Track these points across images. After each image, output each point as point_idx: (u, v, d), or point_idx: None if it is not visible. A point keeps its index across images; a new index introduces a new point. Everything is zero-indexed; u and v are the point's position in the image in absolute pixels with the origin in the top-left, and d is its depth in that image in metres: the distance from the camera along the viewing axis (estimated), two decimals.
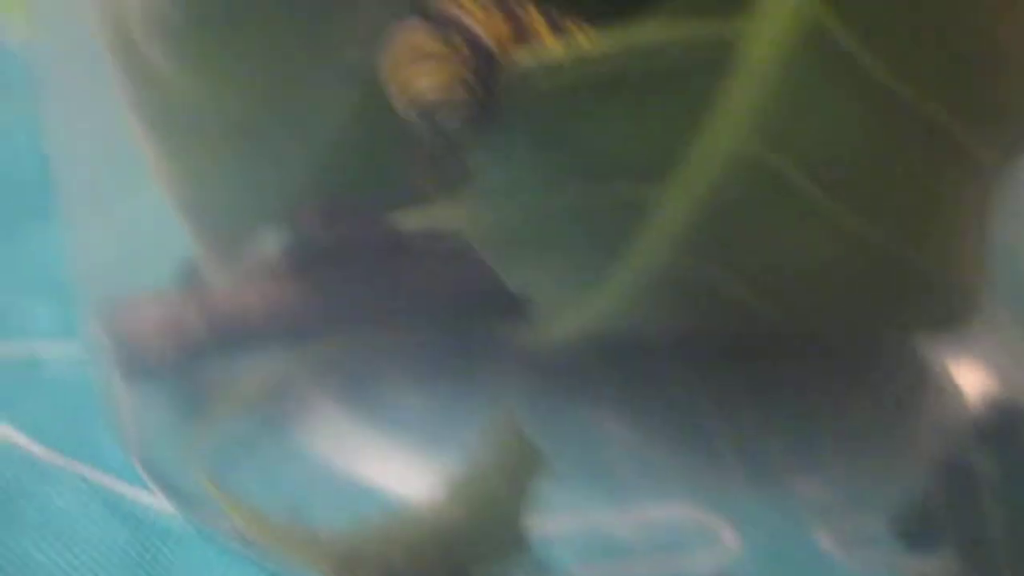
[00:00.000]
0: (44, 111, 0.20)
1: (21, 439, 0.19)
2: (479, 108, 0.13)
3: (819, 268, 0.16)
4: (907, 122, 0.14)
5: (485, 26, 0.13)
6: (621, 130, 0.14)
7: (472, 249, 0.16)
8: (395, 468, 0.17)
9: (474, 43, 0.13)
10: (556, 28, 0.13)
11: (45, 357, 0.20)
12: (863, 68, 0.14)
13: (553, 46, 0.13)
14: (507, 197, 0.14)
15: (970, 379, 0.19)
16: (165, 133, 0.17)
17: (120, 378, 0.18)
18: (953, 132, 0.15)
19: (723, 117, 0.14)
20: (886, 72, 0.14)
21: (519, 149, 0.14)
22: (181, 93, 0.15)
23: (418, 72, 0.12)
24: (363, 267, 0.18)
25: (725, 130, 0.14)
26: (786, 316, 0.17)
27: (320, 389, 0.18)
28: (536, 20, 0.13)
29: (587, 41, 0.13)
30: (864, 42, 0.13)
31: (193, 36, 0.14)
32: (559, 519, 0.17)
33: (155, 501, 0.18)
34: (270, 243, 0.19)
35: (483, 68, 0.13)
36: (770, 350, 0.18)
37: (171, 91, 0.16)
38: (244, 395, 0.18)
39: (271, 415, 0.18)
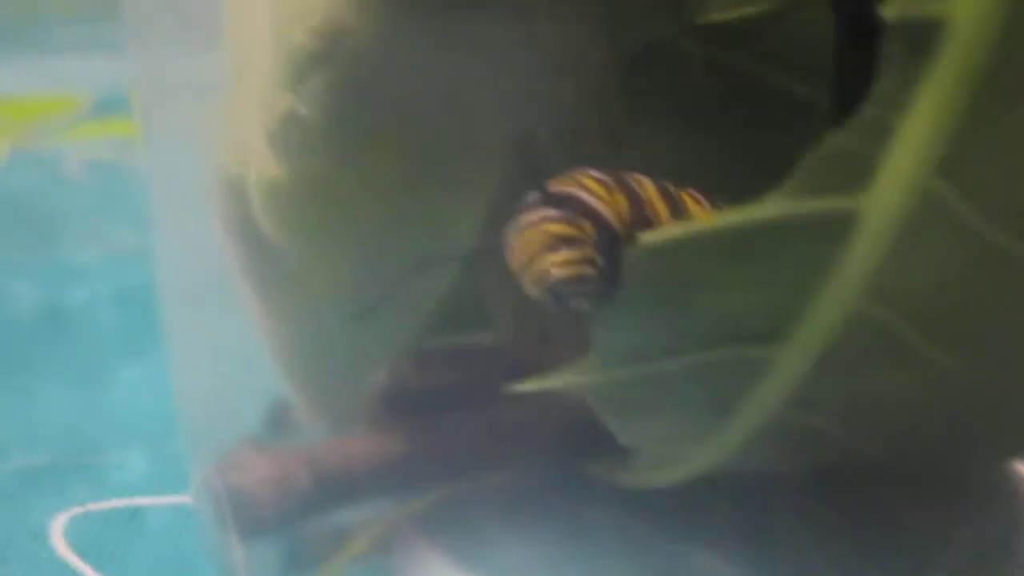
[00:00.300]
0: (155, 240, 0.20)
1: None
2: (604, 285, 0.13)
3: (921, 406, 0.16)
4: (1002, 264, 0.15)
5: (610, 207, 0.13)
6: (740, 296, 0.14)
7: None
8: None
9: (601, 224, 0.13)
10: (674, 207, 0.14)
11: (145, 509, 0.21)
12: (970, 227, 0.14)
13: (672, 224, 0.14)
14: (626, 363, 0.14)
15: None
16: (271, 294, 0.17)
17: (228, 533, 0.18)
18: None
19: (840, 280, 0.14)
20: (988, 226, 0.14)
21: (639, 318, 0.14)
22: (291, 259, 0.16)
23: (551, 257, 0.13)
24: (461, 412, 0.19)
25: (841, 292, 0.14)
26: (886, 451, 0.17)
27: (426, 538, 0.18)
28: (655, 198, 0.14)
29: (706, 218, 0.13)
30: (973, 206, 0.14)
31: (310, 210, 0.15)
32: None
33: None
34: (368, 391, 0.19)
35: (609, 247, 0.13)
36: (870, 484, 0.18)
37: (281, 257, 0.16)
38: (352, 548, 0.18)
39: (380, 567, 0.18)
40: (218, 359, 0.20)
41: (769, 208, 0.13)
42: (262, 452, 0.18)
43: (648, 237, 0.13)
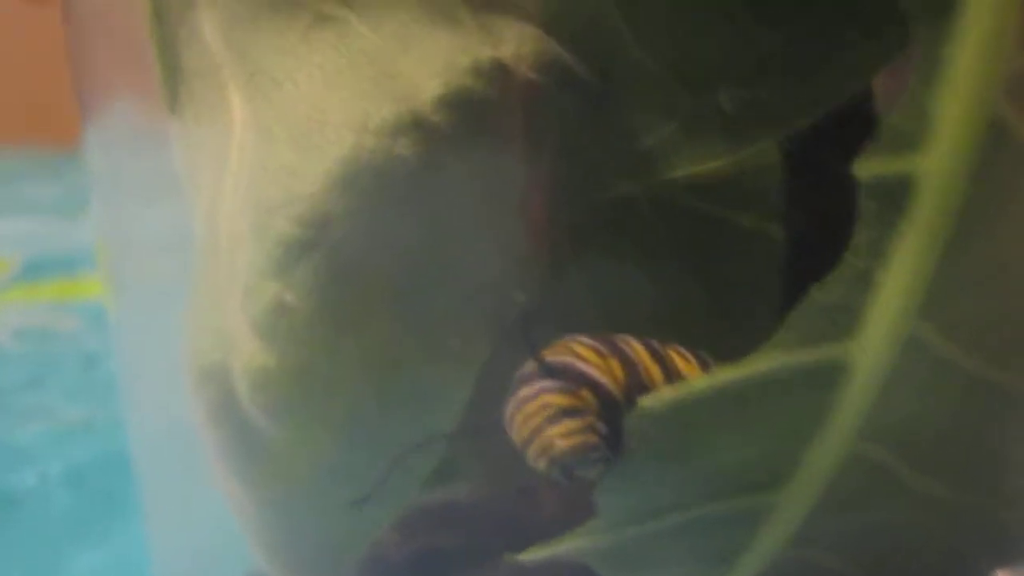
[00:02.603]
0: (126, 408, 0.20)
1: None
2: (608, 451, 0.13)
3: (905, 529, 0.17)
4: (984, 394, 0.15)
5: (606, 373, 0.13)
6: (740, 448, 0.14)
7: None
8: None
9: (600, 392, 0.13)
10: (665, 366, 0.14)
11: None
12: (952, 361, 0.14)
13: (666, 385, 0.14)
14: (628, 523, 0.14)
15: None
16: (254, 476, 0.17)
17: None
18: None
19: (834, 425, 0.14)
20: (969, 360, 0.15)
21: (641, 478, 0.14)
22: (277, 443, 0.16)
23: (554, 429, 0.13)
24: None
25: (836, 436, 0.14)
26: (875, 574, 0.17)
27: None
28: (646, 360, 0.14)
29: (699, 377, 0.14)
30: (954, 341, 0.14)
31: (300, 396, 0.14)
32: None
33: None
34: (351, 565, 0.19)
35: (609, 414, 0.13)
36: None
37: (264, 439, 0.16)
38: None
39: None
40: (195, 534, 0.20)
41: (762, 362, 0.14)
42: None
43: (646, 401, 0.13)
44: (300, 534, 0.17)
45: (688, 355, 0.14)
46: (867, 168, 0.12)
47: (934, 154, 0.12)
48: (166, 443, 0.19)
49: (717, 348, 0.16)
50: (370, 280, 0.14)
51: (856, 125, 0.18)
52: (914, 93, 0.12)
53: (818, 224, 0.20)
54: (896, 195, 0.12)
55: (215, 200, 0.16)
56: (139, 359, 0.20)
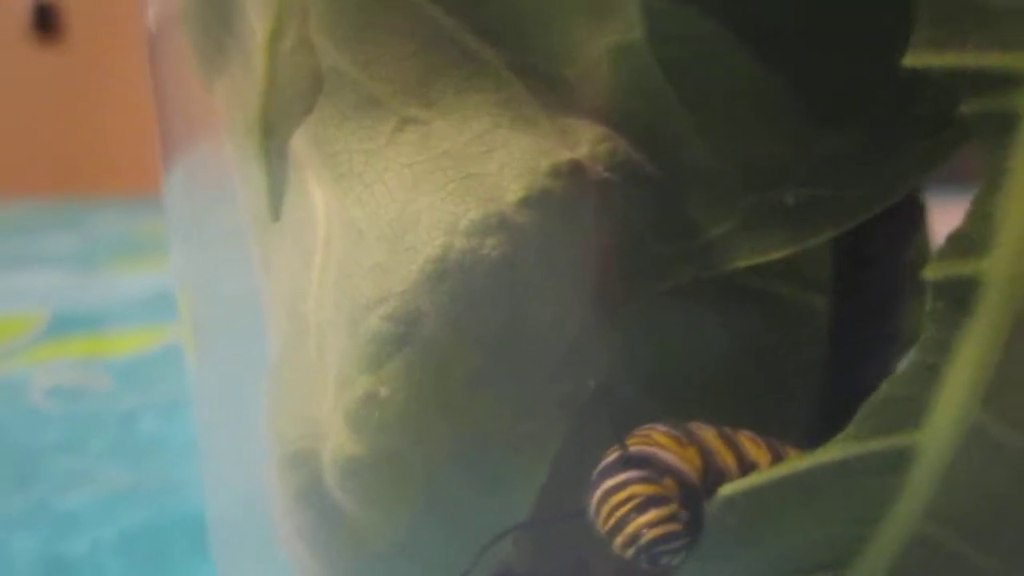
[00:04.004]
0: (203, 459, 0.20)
1: None
2: (690, 538, 0.14)
3: None
4: None
5: (686, 461, 0.14)
6: (809, 532, 0.15)
7: None
8: None
9: (682, 480, 0.14)
10: (738, 452, 0.14)
11: None
12: (1008, 445, 0.15)
13: (739, 471, 0.14)
14: None
15: None
16: (336, 560, 0.17)
17: None
18: None
19: (901, 508, 0.15)
20: None
21: (716, 561, 0.15)
22: (363, 529, 0.16)
23: (641, 519, 0.13)
24: None
25: (902, 518, 0.15)
26: None
27: None
28: (720, 447, 0.14)
29: (774, 467, 0.14)
30: (1009, 426, 0.15)
31: (389, 484, 0.15)
32: None
33: None
34: None
35: (688, 500, 0.14)
36: None
37: (349, 522, 0.16)
38: None
39: None
40: None
41: (833, 452, 0.14)
42: None
43: (725, 489, 0.14)
44: None
45: (759, 441, 0.15)
46: (937, 270, 0.13)
47: (998, 258, 0.13)
48: (241, 511, 0.19)
49: (779, 431, 0.16)
50: (456, 372, 0.15)
51: (903, 215, 0.19)
52: (978, 200, 0.13)
53: (863, 304, 0.21)
54: (963, 296, 0.13)
55: (298, 292, 0.17)
56: (218, 419, 0.20)
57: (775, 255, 0.16)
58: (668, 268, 0.17)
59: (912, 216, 0.19)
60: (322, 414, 0.15)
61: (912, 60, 0.13)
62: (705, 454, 0.14)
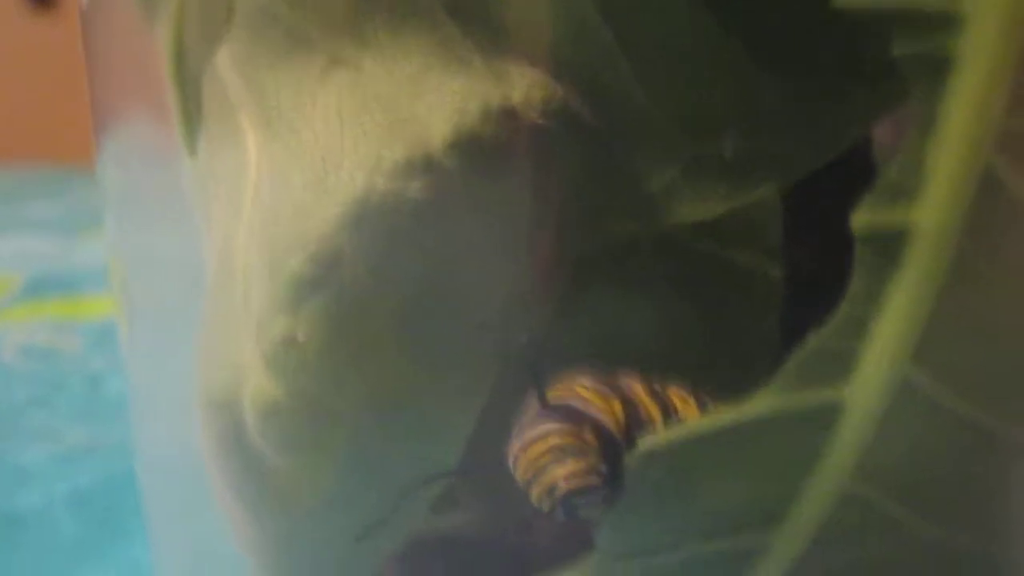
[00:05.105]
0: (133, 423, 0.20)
1: None
2: (610, 491, 0.14)
3: (903, 570, 0.17)
4: (975, 436, 0.16)
5: (608, 414, 0.14)
6: (736, 488, 0.14)
7: None
8: None
9: (602, 433, 0.14)
10: (664, 406, 0.14)
11: None
12: (944, 406, 0.15)
13: (665, 423, 0.14)
14: (626, 559, 0.15)
15: None
16: (260, 509, 0.17)
17: None
18: (1014, 437, 0.16)
19: (828, 465, 0.14)
20: (961, 403, 0.15)
21: (640, 517, 0.14)
22: (284, 476, 0.16)
23: (558, 470, 0.13)
24: None
25: (830, 476, 0.15)
26: None
27: None
28: (646, 400, 0.14)
29: (697, 419, 0.14)
30: (944, 384, 0.14)
31: (308, 429, 0.15)
32: None
33: None
34: None
35: (610, 454, 0.14)
36: None
37: (271, 471, 0.16)
38: None
39: None
40: (199, 561, 0.20)
41: (759, 405, 0.14)
42: None
43: (646, 442, 0.14)
44: (303, 565, 0.18)
45: (687, 396, 0.15)
46: (863, 219, 0.13)
47: (928, 206, 0.13)
48: (174, 468, 0.19)
49: (715, 387, 0.16)
50: (377, 316, 0.14)
51: (853, 170, 0.18)
52: (910, 147, 0.13)
53: (815, 268, 0.20)
54: (891, 246, 0.13)
55: (229, 235, 0.17)
56: (149, 380, 0.20)
57: (717, 209, 0.16)
58: (607, 221, 0.17)
59: (864, 173, 0.19)
60: (244, 359, 0.15)
61: (841, 1, 0.12)
62: (629, 406, 0.14)
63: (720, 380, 0.17)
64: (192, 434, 0.17)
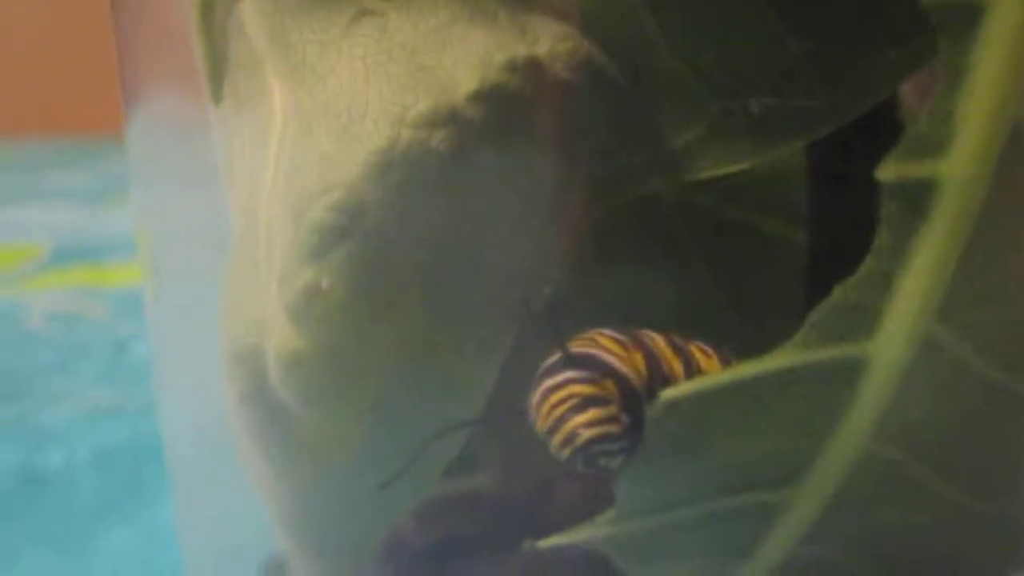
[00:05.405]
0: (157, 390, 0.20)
1: None
2: (629, 442, 0.14)
3: (920, 531, 0.17)
4: (998, 398, 0.15)
5: (629, 365, 0.14)
6: (757, 443, 0.14)
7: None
8: None
9: (623, 383, 0.13)
10: (686, 360, 0.14)
11: None
12: (968, 366, 0.15)
13: (684, 377, 0.14)
14: (645, 514, 0.15)
15: None
16: (283, 460, 0.17)
17: None
18: None
19: (849, 423, 0.14)
20: (984, 364, 0.15)
21: (660, 470, 0.14)
22: (307, 427, 0.16)
23: (578, 418, 0.13)
24: (467, 565, 0.19)
25: (852, 434, 0.14)
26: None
27: None
28: (668, 354, 0.14)
29: (719, 371, 0.14)
30: (967, 344, 0.14)
31: (331, 379, 0.15)
32: None
33: None
34: (373, 550, 0.19)
35: (631, 405, 0.14)
36: None
37: (294, 423, 0.16)
38: None
39: None
40: (224, 520, 0.20)
41: (781, 359, 0.14)
42: None
43: (667, 393, 0.14)
44: (325, 517, 0.18)
45: (710, 351, 0.15)
46: (890, 172, 0.13)
47: (956, 159, 0.13)
48: (197, 431, 0.20)
49: (738, 348, 0.16)
50: (401, 268, 0.14)
51: (882, 132, 0.18)
52: (939, 99, 0.13)
53: (840, 229, 0.20)
54: (918, 199, 0.13)
55: (254, 188, 0.17)
56: (174, 346, 0.21)
57: (741, 165, 0.16)
58: (632, 177, 0.17)
59: (890, 132, 0.18)
60: (268, 311, 0.15)
61: None
62: (651, 359, 0.14)
63: (743, 340, 0.17)
64: (216, 395, 0.18)
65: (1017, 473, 0.17)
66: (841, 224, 0.20)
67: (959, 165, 0.12)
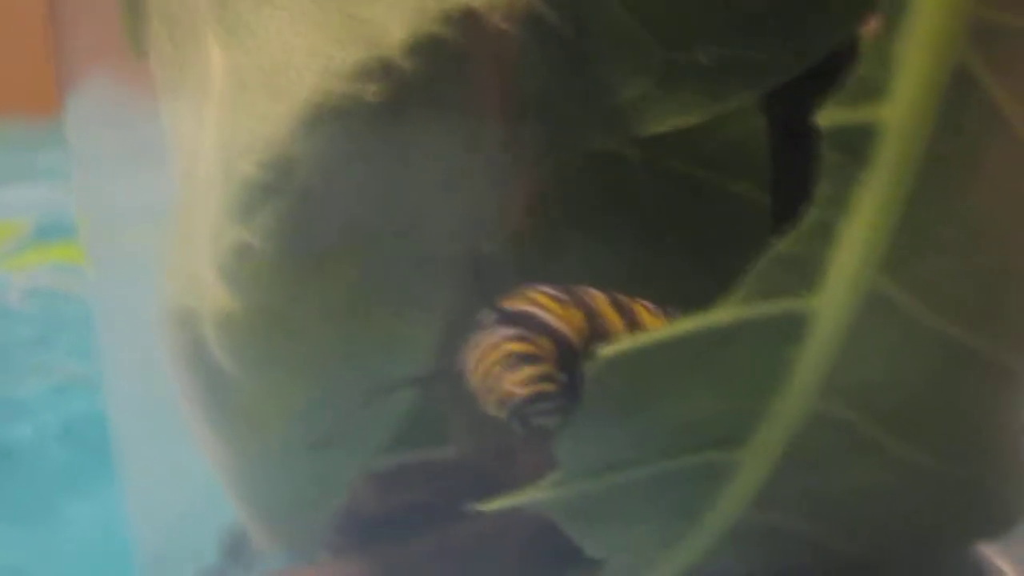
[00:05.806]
0: (104, 368, 0.20)
1: None
2: (566, 401, 0.13)
3: (884, 498, 0.16)
4: (954, 356, 0.15)
5: (566, 322, 0.13)
6: (700, 402, 0.14)
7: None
8: None
9: (559, 340, 0.13)
10: (629, 318, 0.14)
11: None
12: (916, 320, 0.14)
13: (626, 334, 0.14)
14: (591, 476, 0.14)
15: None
16: (224, 423, 0.17)
17: None
18: (997, 358, 0.15)
19: (796, 381, 0.14)
20: (938, 320, 0.14)
21: (602, 430, 0.14)
22: (245, 389, 0.16)
23: (512, 376, 0.13)
24: (423, 533, 0.18)
25: (798, 392, 0.14)
26: (853, 545, 0.17)
27: None
28: (608, 311, 0.14)
29: (660, 327, 0.14)
30: (918, 299, 0.14)
31: (265, 340, 0.14)
32: None
33: None
34: (326, 517, 0.19)
35: (568, 362, 0.13)
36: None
37: (232, 384, 0.16)
38: None
39: None
40: (173, 490, 0.20)
41: (722, 314, 0.13)
42: None
43: (605, 350, 0.13)
44: (271, 483, 0.17)
45: (655, 309, 0.14)
46: (829, 117, 0.12)
47: (898, 103, 0.12)
48: (142, 404, 0.19)
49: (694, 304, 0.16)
50: (334, 226, 0.14)
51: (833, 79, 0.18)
52: (878, 41, 0.12)
53: (800, 184, 0.20)
54: (858, 145, 0.12)
55: (194, 150, 0.16)
56: (116, 328, 0.20)
57: (692, 120, 0.16)
58: (578, 133, 0.16)
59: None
60: (202, 269, 0.15)
61: None
62: (591, 316, 0.14)
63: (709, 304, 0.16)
64: (159, 370, 0.17)
65: (982, 435, 0.16)
66: (800, 179, 0.20)
67: (900, 109, 0.12)
